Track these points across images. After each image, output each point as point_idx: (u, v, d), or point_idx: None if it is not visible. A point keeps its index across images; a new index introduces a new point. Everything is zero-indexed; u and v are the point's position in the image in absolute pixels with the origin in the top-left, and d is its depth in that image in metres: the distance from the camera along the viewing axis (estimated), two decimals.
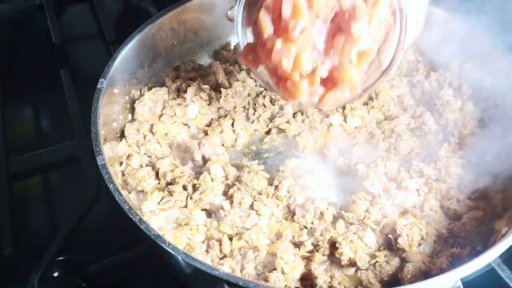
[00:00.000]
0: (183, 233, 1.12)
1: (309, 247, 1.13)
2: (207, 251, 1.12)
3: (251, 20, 1.06)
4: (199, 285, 1.12)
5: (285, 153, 1.38)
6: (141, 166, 1.27)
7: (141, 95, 1.42)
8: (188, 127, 1.40)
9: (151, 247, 1.08)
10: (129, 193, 1.20)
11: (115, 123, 1.32)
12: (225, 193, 1.22)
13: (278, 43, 0.98)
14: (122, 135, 1.33)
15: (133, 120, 1.38)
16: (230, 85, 1.46)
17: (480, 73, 1.38)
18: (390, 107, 1.43)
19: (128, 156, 1.27)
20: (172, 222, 1.15)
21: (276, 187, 1.23)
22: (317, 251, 1.12)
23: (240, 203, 1.17)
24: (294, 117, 1.43)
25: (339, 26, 0.99)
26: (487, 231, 1.12)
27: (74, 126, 1.44)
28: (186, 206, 1.17)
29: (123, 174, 1.25)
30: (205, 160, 1.31)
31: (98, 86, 1.22)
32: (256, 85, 1.50)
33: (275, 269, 1.08)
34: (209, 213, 1.20)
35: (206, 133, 1.38)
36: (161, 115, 1.39)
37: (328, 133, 1.40)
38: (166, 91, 1.43)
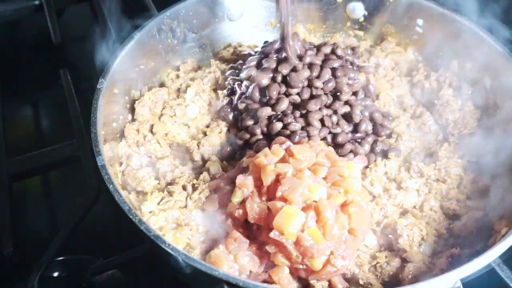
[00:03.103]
0: (183, 233, 1.12)
1: None
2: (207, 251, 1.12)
3: None
4: (199, 285, 1.12)
5: None
6: (141, 166, 1.27)
7: (141, 95, 1.41)
8: (188, 127, 1.39)
9: (151, 247, 1.08)
10: (129, 193, 1.20)
11: (115, 123, 1.32)
12: None
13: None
14: (122, 135, 1.33)
15: (133, 120, 1.38)
16: None
17: (480, 73, 1.38)
18: (390, 107, 1.43)
19: (128, 156, 1.27)
20: (172, 223, 1.15)
21: None
22: None
23: None
24: None
25: None
26: (487, 231, 1.12)
27: (74, 126, 1.44)
28: (186, 207, 1.17)
29: (123, 175, 1.25)
30: (204, 160, 1.31)
31: (98, 86, 1.22)
32: None
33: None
34: None
35: (205, 134, 1.38)
36: (161, 115, 1.39)
37: None
38: (166, 91, 1.43)
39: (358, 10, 1.60)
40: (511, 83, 1.29)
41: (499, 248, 0.95)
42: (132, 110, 1.39)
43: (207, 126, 1.40)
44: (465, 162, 1.28)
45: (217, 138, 1.34)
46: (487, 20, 1.36)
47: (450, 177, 1.25)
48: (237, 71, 1.44)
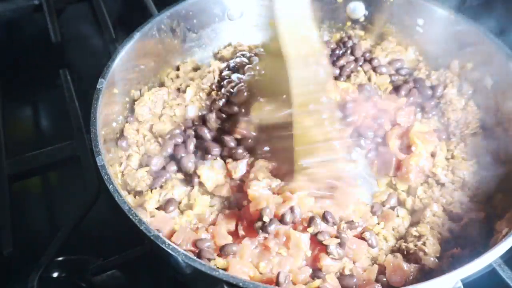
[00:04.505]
0: None
1: None
2: None
3: None
4: (198, 285, 1.12)
5: None
6: (141, 166, 1.27)
7: (141, 95, 1.41)
8: None
9: (150, 247, 1.08)
10: (129, 193, 1.20)
11: (115, 123, 1.32)
12: None
13: None
14: (122, 135, 1.32)
15: (133, 120, 1.38)
16: None
17: (481, 73, 1.38)
18: None
19: (128, 156, 1.27)
20: None
21: None
22: None
23: None
24: None
25: None
26: (488, 231, 1.12)
27: (74, 126, 1.44)
28: None
29: (123, 175, 1.24)
30: None
31: (97, 86, 1.22)
32: None
33: None
34: None
35: None
36: (161, 115, 1.39)
37: None
38: (166, 91, 1.43)
39: (359, 10, 1.60)
40: (511, 83, 1.29)
41: (500, 248, 0.95)
42: (132, 110, 1.39)
43: None
44: (469, 163, 1.27)
45: None
46: (488, 19, 1.36)
47: (452, 178, 1.24)
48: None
